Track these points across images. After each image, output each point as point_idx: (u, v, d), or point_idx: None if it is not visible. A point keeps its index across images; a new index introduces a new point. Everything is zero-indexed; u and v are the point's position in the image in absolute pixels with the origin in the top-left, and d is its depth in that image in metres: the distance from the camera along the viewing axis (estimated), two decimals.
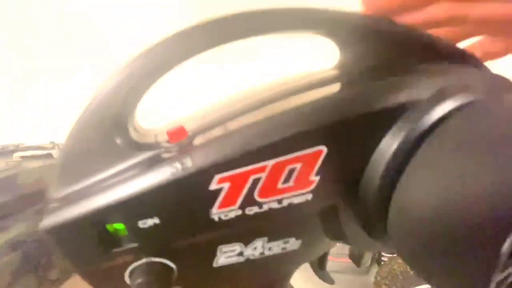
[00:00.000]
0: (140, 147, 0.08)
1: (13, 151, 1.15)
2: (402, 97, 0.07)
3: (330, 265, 1.19)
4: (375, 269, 1.01)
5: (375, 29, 0.10)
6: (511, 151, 0.06)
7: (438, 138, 0.08)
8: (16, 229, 0.93)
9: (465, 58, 0.10)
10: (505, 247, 0.06)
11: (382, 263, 0.96)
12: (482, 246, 0.06)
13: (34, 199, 1.04)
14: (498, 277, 0.07)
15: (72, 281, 1.17)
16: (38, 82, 1.89)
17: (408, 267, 0.81)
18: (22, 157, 1.12)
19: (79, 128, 0.08)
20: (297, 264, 0.11)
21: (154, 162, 0.08)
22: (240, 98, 0.08)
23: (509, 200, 0.06)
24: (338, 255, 1.18)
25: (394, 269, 0.83)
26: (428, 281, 0.08)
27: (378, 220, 0.09)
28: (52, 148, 1.22)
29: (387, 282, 0.81)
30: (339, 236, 0.11)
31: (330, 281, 0.15)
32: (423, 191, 0.08)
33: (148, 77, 0.07)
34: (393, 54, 0.09)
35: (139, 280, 0.08)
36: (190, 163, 0.08)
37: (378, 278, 0.88)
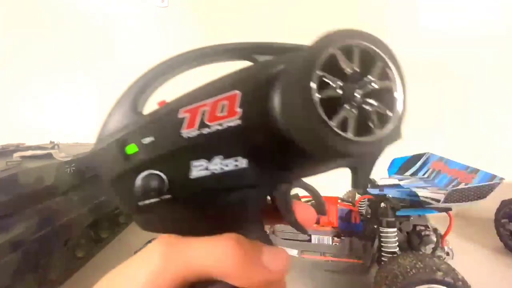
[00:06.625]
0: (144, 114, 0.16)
1: (13, 151, 1.15)
2: (277, 69, 0.14)
3: (331, 265, 1.19)
4: (375, 269, 1.01)
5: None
6: None
7: None
8: (16, 229, 0.93)
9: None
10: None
11: (382, 263, 0.96)
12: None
13: (34, 199, 1.03)
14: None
15: (72, 281, 1.17)
16: (39, 82, 1.89)
17: (408, 267, 0.81)
18: (22, 157, 1.12)
19: (118, 100, 0.16)
20: (255, 185, 0.16)
21: (154, 114, 0.15)
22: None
23: None
24: (338, 255, 1.18)
25: (394, 269, 0.83)
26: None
27: (288, 144, 0.13)
28: (52, 148, 1.22)
29: (387, 282, 0.81)
30: (275, 161, 0.15)
31: (303, 231, 0.19)
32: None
33: (157, 80, 0.17)
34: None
35: (141, 184, 0.15)
36: (170, 105, 0.15)
37: (378, 278, 0.88)
